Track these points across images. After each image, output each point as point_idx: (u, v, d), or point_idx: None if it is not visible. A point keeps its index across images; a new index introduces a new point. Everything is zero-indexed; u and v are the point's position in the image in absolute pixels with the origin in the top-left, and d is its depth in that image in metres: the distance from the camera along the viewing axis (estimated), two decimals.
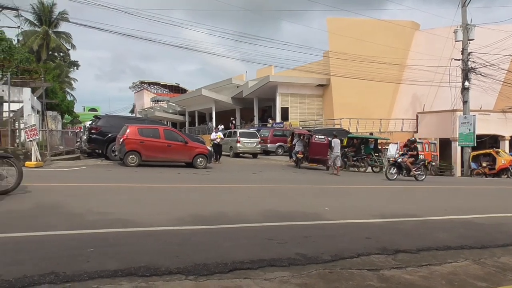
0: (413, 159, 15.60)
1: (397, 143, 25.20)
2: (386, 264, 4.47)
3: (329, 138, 20.85)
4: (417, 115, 31.73)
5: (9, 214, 5.88)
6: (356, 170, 20.72)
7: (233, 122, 40.61)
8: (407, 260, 4.68)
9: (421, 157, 17.26)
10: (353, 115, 30.62)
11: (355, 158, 20.78)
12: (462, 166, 26.08)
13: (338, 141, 18.01)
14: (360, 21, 36.42)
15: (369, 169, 20.99)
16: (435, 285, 3.91)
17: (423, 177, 15.90)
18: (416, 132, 30.87)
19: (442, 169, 26.63)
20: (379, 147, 23.08)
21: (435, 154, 24.52)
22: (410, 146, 16.11)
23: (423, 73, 29.12)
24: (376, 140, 22.44)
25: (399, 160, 15.72)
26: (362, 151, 21.38)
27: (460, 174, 26.03)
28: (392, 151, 24.89)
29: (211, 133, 23.86)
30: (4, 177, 7.21)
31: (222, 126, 36.27)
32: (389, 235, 5.93)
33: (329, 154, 18.41)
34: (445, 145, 27.90)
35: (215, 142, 20.43)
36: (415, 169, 15.61)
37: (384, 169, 21.97)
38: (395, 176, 15.45)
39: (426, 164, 17.04)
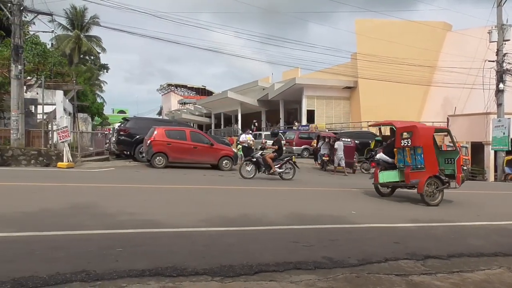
0: (275, 154, 13.64)
1: None
2: (415, 269, 4.38)
3: (356, 141, 20.60)
4: (448, 118, 30.91)
5: (45, 213, 6.08)
6: None
7: (255, 124, 40.45)
8: (437, 266, 4.57)
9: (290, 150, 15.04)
10: (381, 118, 30.02)
11: None
12: (496, 170, 25.20)
13: (341, 143, 18.57)
14: (389, 22, 35.85)
15: None
16: None
17: (290, 176, 13.77)
18: (447, 135, 30.07)
19: (474, 173, 25.83)
20: None
21: (466, 158, 23.80)
22: (273, 139, 14.62)
23: (455, 75, 28.34)
24: None
25: (256, 155, 13.72)
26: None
27: (493, 179, 25.16)
28: None
29: (239, 135, 23.25)
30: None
31: (249, 131, 35.78)
32: (418, 240, 5.79)
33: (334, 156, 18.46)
34: (477, 149, 27.05)
35: (245, 145, 18.84)
36: (278, 166, 13.54)
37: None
38: (253, 175, 13.48)
39: (293, 160, 14.19)
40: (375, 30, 33.51)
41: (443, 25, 35.19)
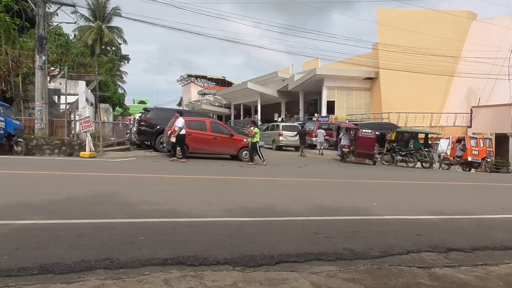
0: None
1: (448, 138, 24.16)
2: (437, 262, 4.32)
3: (377, 132, 20.34)
4: (471, 109, 30.21)
5: (70, 201, 6.21)
6: (405, 165, 20.09)
7: (280, 116, 40.12)
8: (461, 259, 4.50)
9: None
10: (403, 109, 29.64)
11: (403, 153, 20.14)
12: None
13: (323, 131, 22.71)
14: (412, 12, 35.10)
15: (418, 164, 20.32)
16: (491, 286, 3.73)
17: None
18: (470, 126, 29.41)
19: (498, 165, 25.22)
20: (430, 142, 22.24)
21: (490, 150, 23.20)
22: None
23: (480, 65, 27.64)
24: (426, 134, 21.65)
25: None
26: (411, 146, 20.70)
27: None
28: (444, 146, 23.90)
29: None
30: None
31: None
32: (441, 233, 5.71)
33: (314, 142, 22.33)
34: (501, 141, 26.38)
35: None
36: None
37: (434, 165, 21.19)
38: None
39: None
40: (397, 19, 32.90)
41: (467, 14, 34.21)
